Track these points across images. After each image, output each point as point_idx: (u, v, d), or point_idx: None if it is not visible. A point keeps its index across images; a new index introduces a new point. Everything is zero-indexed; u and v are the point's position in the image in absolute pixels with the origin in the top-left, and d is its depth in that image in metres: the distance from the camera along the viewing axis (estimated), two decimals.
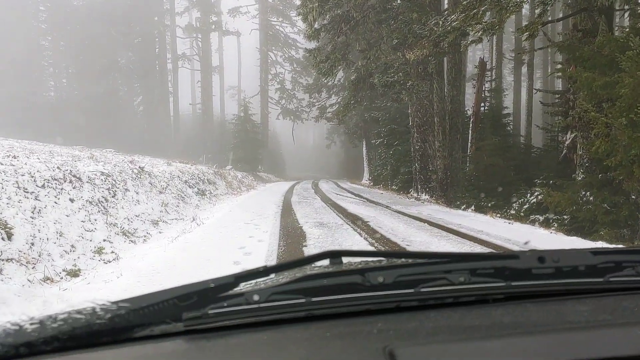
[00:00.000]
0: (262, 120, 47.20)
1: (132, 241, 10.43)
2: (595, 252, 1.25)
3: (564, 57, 15.84)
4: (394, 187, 25.96)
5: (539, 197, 13.16)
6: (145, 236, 11.32)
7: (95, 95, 46.44)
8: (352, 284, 1.12)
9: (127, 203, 12.84)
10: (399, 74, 14.41)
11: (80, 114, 46.79)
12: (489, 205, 16.29)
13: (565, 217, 11.58)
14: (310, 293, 1.10)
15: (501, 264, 1.20)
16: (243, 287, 1.14)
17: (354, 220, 10.77)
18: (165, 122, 50.35)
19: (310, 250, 7.05)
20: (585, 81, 10.27)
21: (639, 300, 1.18)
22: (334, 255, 1.25)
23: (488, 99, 25.79)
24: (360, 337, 0.99)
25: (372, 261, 1.37)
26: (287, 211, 13.03)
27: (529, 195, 14.28)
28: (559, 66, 16.13)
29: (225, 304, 1.07)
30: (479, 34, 11.37)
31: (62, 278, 6.66)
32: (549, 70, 39.73)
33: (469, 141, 23.91)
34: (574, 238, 8.66)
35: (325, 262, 1.25)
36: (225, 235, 9.05)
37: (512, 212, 14.38)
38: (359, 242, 7.57)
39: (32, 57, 48.27)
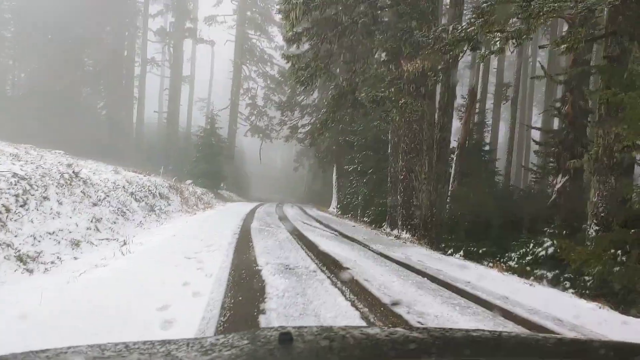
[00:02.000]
0: (229, 136, 44.35)
1: (28, 270, 7.59)
2: None
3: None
4: (365, 219, 23.48)
5: (549, 249, 10.83)
6: (52, 263, 8.46)
7: (54, 93, 42.93)
8: None
9: (40, 215, 9.94)
10: (391, 89, 12.07)
11: (37, 111, 43.14)
12: (479, 251, 13.92)
13: (587, 278, 9.25)
14: None
15: None
16: None
17: (330, 264, 8.18)
18: (128, 129, 46.97)
19: (270, 321, 4.43)
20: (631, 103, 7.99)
21: None
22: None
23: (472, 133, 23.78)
24: None
25: None
26: (244, 242, 10.32)
27: (532, 245, 11.93)
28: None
29: None
30: (499, 44, 9.06)
31: None
32: (532, 107, 38.15)
33: (452, 176, 21.72)
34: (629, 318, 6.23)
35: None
36: (150, 278, 6.33)
37: (512, 263, 12.00)
38: (344, 310, 4.96)
39: None
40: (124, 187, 16.72)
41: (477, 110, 25.11)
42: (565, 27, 18.60)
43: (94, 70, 46.00)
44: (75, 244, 9.99)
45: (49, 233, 9.52)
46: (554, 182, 19.69)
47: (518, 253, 12.07)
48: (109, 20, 42.93)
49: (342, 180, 33.65)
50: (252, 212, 21.21)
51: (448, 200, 19.90)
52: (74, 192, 12.39)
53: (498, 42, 8.84)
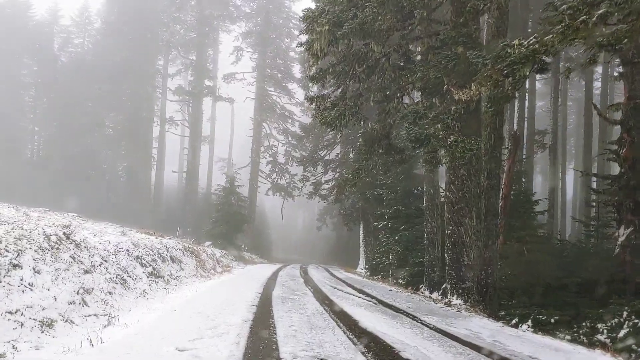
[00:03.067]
0: (249, 195, 42.47)
1: None
2: None
3: None
4: (400, 280, 20.88)
5: None
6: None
7: (72, 156, 41.92)
8: None
9: (1, 289, 7.86)
10: (437, 125, 9.96)
11: (55, 175, 42.03)
12: (551, 320, 11.27)
13: None
14: None
15: None
16: None
17: (382, 353, 5.82)
18: (146, 190, 45.51)
19: None
20: None
21: None
22: None
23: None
24: None
25: None
26: (263, 318, 7.98)
27: (626, 313, 9.33)
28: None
29: None
30: (591, 52, 6.93)
31: None
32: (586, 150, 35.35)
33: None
34: None
35: None
36: None
37: (600, 337, 9.37)
38: None
39: (12, 111, 44.14)
40: (128, 250, 14.61)
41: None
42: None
43: (113, 132, 45.14)
44: (48, 324, 7.80)
45: (10, 312, 7.35)
46: (616, 234, 17.11)
47: (609, 324, 9.45)
48: (128, 81, 42.31)
49: (370, 238, 31.20)
50: (274, 276, 18.82)
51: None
52: (60, 258, 10.28)
53: (591, 50, 6.70)
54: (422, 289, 19.52)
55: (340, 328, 7.44)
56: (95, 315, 9.24)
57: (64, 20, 47.84)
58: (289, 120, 44.77)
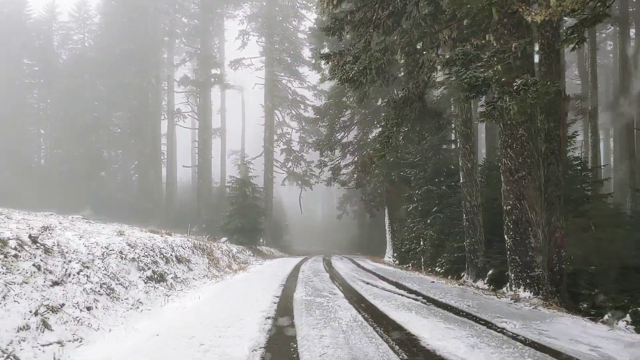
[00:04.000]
0: (265, 185, 40.06)
1: None
2: None
3: None
4: (437, 268, 18.30)
5: None
6: None
7: (78, 157, 39.88)
8: None
9: None
10: (498, 66, 7.38)
11: (61, 177, 40.06)
12: None
13: None
14: None
15: None
16: None
17: None
18: (157, 188, 43.35)
19: None
20: None
21: None
22: None
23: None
24: None
25: None
26: (280, 344, 5.51)
27: None
28: None
29: None
30: None
31: None
32: None
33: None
34: None
35: None
36: None
37: None
38: None
39: (16, 115, 42.21)
40: (121, 252, 12.20)
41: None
42: None
43: (120, 130, 43.00)
44: None
45: None
46: None
47: None
48: (131, 75, 40.03)
49: (396, 224, 28.62)
50: (295, 272, 16.39)
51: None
52: (17, 268, 7.89)
53: None
54: (464, 277, 16.96)
55: (393, 350, 4.95)
56: (59, 342, 6.89)
57: (62, 17, 45.72)
58: (302, 106, 42.18)
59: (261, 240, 40.45)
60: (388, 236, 28.89)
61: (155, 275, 12.88)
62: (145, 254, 13.62)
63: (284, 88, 42.22)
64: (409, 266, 23.93)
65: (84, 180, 39.45)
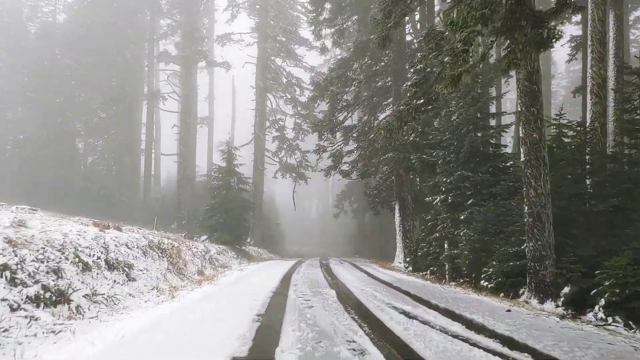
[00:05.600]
0: (254, 178, 34.71)
1: None
2: None
3: None
4: (482, 282, 12.99)
5: None
6: None
7: (44, 141, 34.28)
8: None
9: None
10: None
11: (25, 166, 34.44)
12: None
13: None
14: None
15: None
16: None
17: None
18: (134, 178, 37.87)
19: None
20: None
21: None
22: None
23: None
24: None
25: None
26: None
27: None
28: None
29: None
30: None
31: None
32: None
33: None
34: None
35: None
36: None
37: None
38: None
39: None
40: None
41: None
42: None
43: (93, 114, 37.38)
44: None
45: None
46: None
47: None
48: (106, 49, 34.55)
49: (408, 222, 23.38)
50: (283, 285, 11.12)
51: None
52: None
53: None
54: (525, 295, 11.75)
55: None
56: None
57: None
58: (297, 90, 36.87)
59: (248, 240, 35.08)
60: (399, 237, 23.63)
61: (47, 294, 7.56)
62: (41, 257, 8.30)
63: (277, 69, 36.87)
64: (426, 274, 18.83)
65: (50, 168, 33.93)
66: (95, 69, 34.99)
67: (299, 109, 35.50)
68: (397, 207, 23.67)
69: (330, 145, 24.94)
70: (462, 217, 15.35)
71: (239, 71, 37.55)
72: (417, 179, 22.68)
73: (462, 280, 15.23)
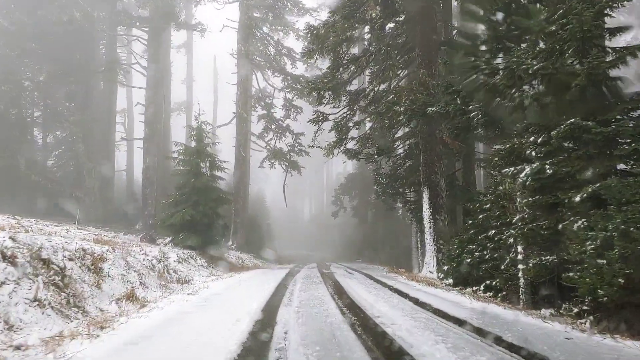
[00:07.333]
0: (236, 166, 27.79)
1: None
2: None
3: None
4: None
5: None
6: None
7: None
8: None
9: None
10: None
11: None
12: None
13: None
14: None
15: None
16: None
17: None
18: (89, 168, 30.78)
19: None
20: None
21: None
22: None
23: None
24: None
25: None
26: None
27: None
28: None
29: None
30: None
31: None
32: None
33: None
34: None
35: None
36: None
37: None
38: None
39: None
40: None
41: None
42: None
43: (37, 88, 30.24)
44: None
45: None
46: None
47: None
48: (52, 10, 27.51)
49: (442, 215, 16.59)
50: (265, 324, 4.23)
51: None
52: None
53: None
54: None
55: None
56: None
57: None
58: (288, 62, 29.99)
59: (229, 243, 28.17)
60: (429, 237, 16.78)
61: None
62: None
63: (264, 37, 29.99)
64: (478, 290, 12.38)
65: None
66: (38, 32, 27.91)
67: (290, 81, 28.61)
68: (425, 196, 16.83)
69: (335, 108, 18.01)
70: (576, 200, 8.54)
71: (222, 51, 30.72)
72: (457, 155, 15.88)
73: (574, 310, 8.38)
